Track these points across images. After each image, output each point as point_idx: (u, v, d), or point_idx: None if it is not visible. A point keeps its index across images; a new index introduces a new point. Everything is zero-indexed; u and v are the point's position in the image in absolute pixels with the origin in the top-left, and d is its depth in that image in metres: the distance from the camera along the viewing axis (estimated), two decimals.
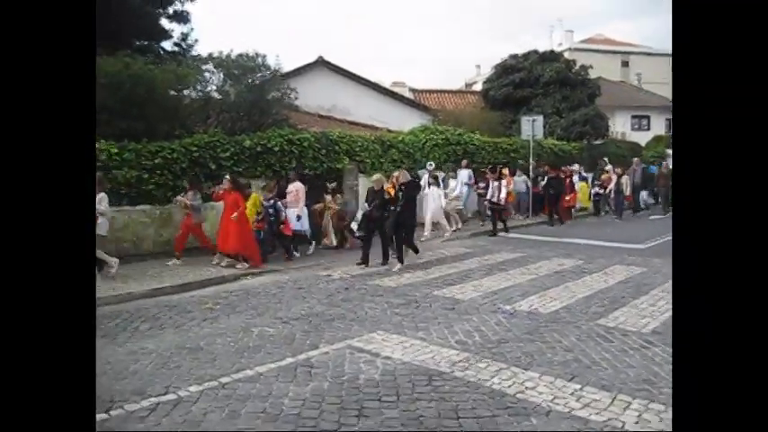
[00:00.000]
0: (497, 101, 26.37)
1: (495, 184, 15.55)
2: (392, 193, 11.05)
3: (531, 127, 19.38)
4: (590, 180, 20.63)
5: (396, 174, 11.54)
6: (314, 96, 20.30)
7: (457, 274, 10.04)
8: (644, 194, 21.94)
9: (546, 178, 18.22)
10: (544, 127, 20.83)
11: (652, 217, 19.79)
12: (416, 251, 11.26)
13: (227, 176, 11.15)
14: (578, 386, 4.95)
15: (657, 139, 35.72)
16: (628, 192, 19.90)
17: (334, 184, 13.54)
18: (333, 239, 13.18)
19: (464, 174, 17.26)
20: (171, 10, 18.06)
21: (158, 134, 12.35)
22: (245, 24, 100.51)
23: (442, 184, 14.85)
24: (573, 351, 5.90)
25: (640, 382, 5.05)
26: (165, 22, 18.14)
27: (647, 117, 40.27)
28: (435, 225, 14.54)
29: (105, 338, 6.57)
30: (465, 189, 16.99)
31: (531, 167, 19.02)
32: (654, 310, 7.52)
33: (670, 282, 9.07)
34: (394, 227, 10.74)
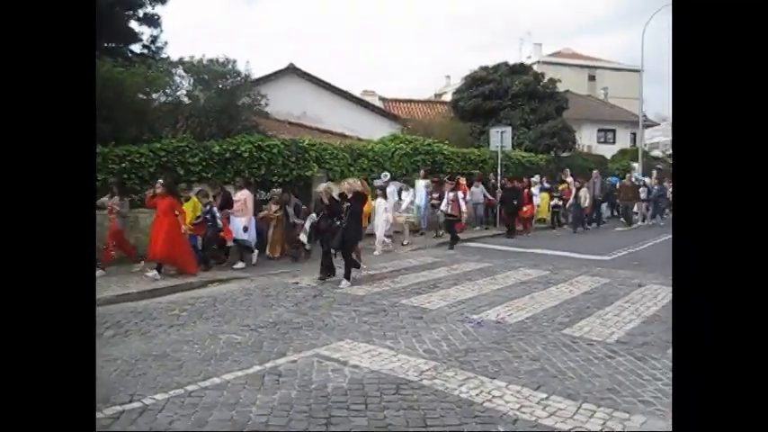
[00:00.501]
0: (467, 112, 26.61)
1: (451, 195, 14.95)
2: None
3: (500, 138, 19.62)
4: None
5: (346, 183, 10.77)
6: (284, 103, 20.29)
7: (425, 284, 10.08)
8: (603, 207, 22.06)
9: (501, 189, 18.10)
10: (512, 138, 21.08)
11: (618, 229, 20.00)
12: (357, 266, 10.46)
13: (161, 180, 10.66)
14: (544, 395, 5.01)
15: (623, 152, 36.44)
16: (587, 204, 19.66)
17: (278, 191, 12.94)
18: (276, 249, 12.66)
19: (421, 184, 16.90)
20: (141, 12, 17.87)
21: (126, 138, 12.20)
22: (215, 30, 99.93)
23: (391, 197, 14.41)
24: (539, 360, 5.97)
25: (605, 390, 5.13)
26: (134, 25, 17.96)
27: (613, 131, 41.11)
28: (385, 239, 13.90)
29: None
30: (423, 200, 16.68)
31: (498, 178, 19.13)
32: (618, 320, 7.65)
33: (634, 292, 9.29)
34: (340, 241, 10.06)
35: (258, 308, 8.28)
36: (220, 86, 14.61)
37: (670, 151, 70.34)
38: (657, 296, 9.10)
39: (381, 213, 13.49)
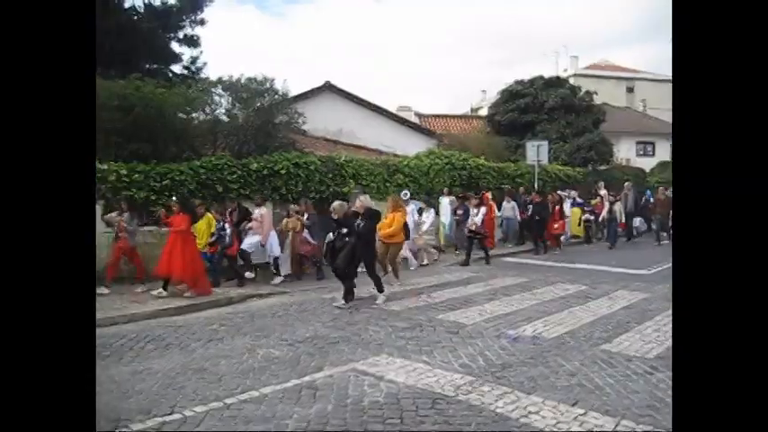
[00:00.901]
0: (503, 126, 26.57)
1: (474, 210, 14.58)
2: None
3: (537, 152, 19.55)
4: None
5: (359, 200, 10.28)
6: (320, 120, 20.52)
7: (461, 299, 10.06)
8: (637, 221, 21.07)
9: (531, 204, 17.41)
10: (549, 152, 20.95)
11: (664, 243, 18.71)
12: (380, 289, 9.97)
13: (174, 198, 10.69)
14: (581, 411, 4.97)
15: (663, 164, 35.76)
16: (621, 219, 18.90)
17: (295, 206, 12.52)
18: (288, 267, 12.23)
19: (446, 202, 16.55)
20: (181, 34, 18.35)
21: (167, 156, 12.51)
22: (253, 50, 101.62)
23: (411, 216, 13.47)
24: (576, 376, 5.91)
25: (644, 407, 5.06)
26: (175, 46, 18.46)
27: (652, 143, 40.40)
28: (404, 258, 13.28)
29: (111, 358, 6.64)
30: (448, 218, 16.32)
31: (534, 192, 18.93)
32: (658, 335, 7.53)
33: None
34: (348, 260, 9.72)
35: (295, 323, 8.37)
36: (258, 105, 14.89)
37: None
38: None
39: None
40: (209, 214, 11.28)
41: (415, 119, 29.98)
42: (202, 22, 18.22)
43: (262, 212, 11.97)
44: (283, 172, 13.58)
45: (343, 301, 9.50)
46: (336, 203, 10.54)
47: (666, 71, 46.12)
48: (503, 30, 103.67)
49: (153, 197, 11.45)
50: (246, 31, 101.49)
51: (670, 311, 8.77)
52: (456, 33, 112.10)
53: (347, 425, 4.70)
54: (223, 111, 14.93)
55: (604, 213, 18.76)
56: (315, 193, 14.03)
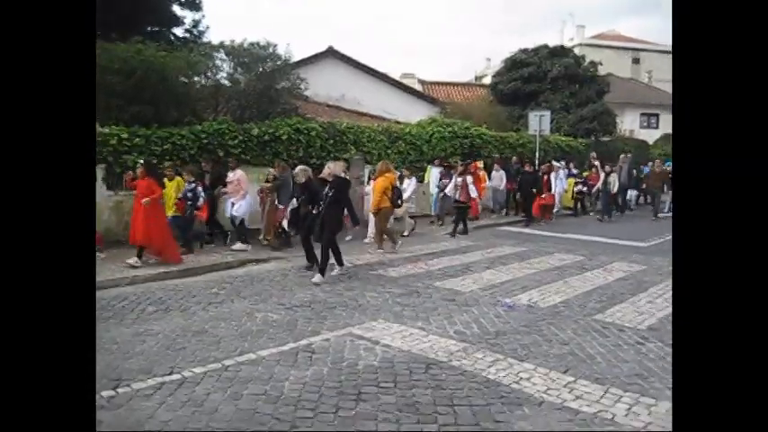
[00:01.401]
0: (506, 95, 26.41)
1: (459, 179, 13.98)
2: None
3: (539, 122, 19.49)
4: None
5: (327, 166, 9.73)
6: (323, 86, 20.43)
7: (459, 267, 10.15)
8: (633, 194, 21.16)
9: (520, 174, 17.08)
10: (551, 122, 20.89)
11: (661, 216, 18.67)
12: (340, 263, 9.45)
13: (141, 161, 10.32)
14: (572, 378, 5.07)
15: (666, 137, 35.69)
16: (615, 190, 18.58)
17: (274, 171, 12.00)
18: (269, 232, 11.79)
19: (435, 171, 16.28)
20: None
21: (168, 120, 12.51)
22: (255, 13, 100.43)
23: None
24: (569, 345, 6.02)
25: (633, 376, 5.17)
26: (177, 9, 18.26)
27: (657, 115, 40.23)
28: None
29: (113, 319, 6.75)
30: (435, 189, 15.97)
31: (536, 162, 18.89)
32: (651, 307, 7.63)
33: (670, 279, 9.19)
34: (319, 229, 9.26)
35: (294, 287, 8.47)
36: (260, 70, 14.82)
37: None
38: None
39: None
40: (178, 177, 11.00)
41: (418, 86, 29.83)
42: None
43: (237, 175, 11.68)
44: (284, 138, 13.60)
45: (320, 276, 8.88)
46: (299, 168, 10.15)
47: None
48: None
49: (154, 161, 11.47)
50: None
51: (664, 284, 8.90)
52: (463, 0, 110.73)
53: (342, 387, 4.81)
54: (225, 75, 14.87)
55: (599, 185, 18.43)
56: (316, 159, 14.05)
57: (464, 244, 12.73)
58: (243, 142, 13.01)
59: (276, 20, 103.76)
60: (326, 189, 9.27)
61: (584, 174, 19.38)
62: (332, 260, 9.25)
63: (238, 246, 11.33)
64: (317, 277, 8.84)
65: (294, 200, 10.67)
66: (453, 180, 14.18)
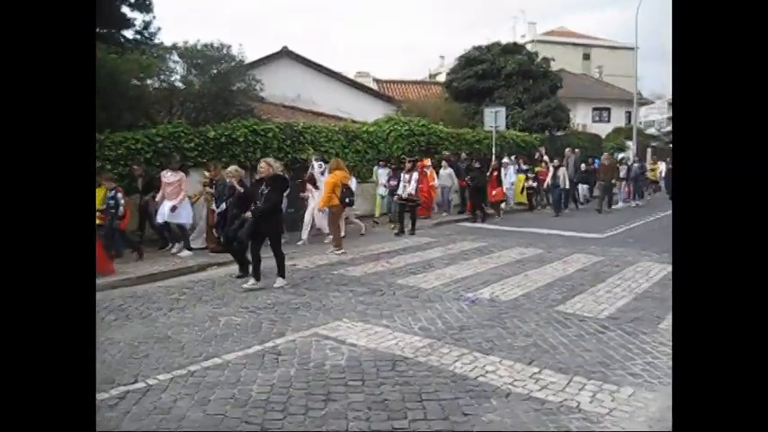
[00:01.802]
0: (461, 92, 26.61)
1: (406, 176, 13.69)
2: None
3: (494, 118, 19.69)
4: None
5: (263, 163, 8.88)
6: (278, 86, 20.29)
7: (420, 264, 10.22)
8: (584, 188, 21.12)
9: (468, 170, 16.83)
10: (507, 118, 21.14)
11: (607, 211, 18.97)
12: (281, 272, 8.72)
13: None
14: (537, 369, 5.17)
15: (618, 130, 36.62)
16: (565, 185, 18.17)
17: (209, 173, 11.58)
18: (203, 241, 11.56)
19: (381, 173, 15.72)
20: None
21: (121, 124, 12.25)
22: (207, 12, 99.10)
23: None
24: (532, 336, 6.12)
25: (595, 364, 5.29)
26: (126, 10, 17.87)
27: (608, 109, 41.16)
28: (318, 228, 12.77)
29: None
30: (382, 190, 15.57)
31: (493, 158, 19.08)
32: (610, 296, 7.81)
33: (628, 269, 9.44)
34: (250, 232, 8.55)
35: (256, 290, 8.40)
36: (215, 71, 14.64)
37: (666, 129, 70.50)
38: (650, 273, 9.26)
39: (315, 198, 12.28)
40: (105, 184, 10.33)
41: (373, 85, 29.87)
42: None
43: (178, 177, 11.09)
44: (241, 140, 13.47)
45: (253, 280, 8.47)
46: (231, 168, 9.69)
47: (622, 38, 46.77)
48: None
49: (108, 167, 11.23)
50: None
51: (621, 274, 9.12)
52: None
53: (310, 387, 4.80)
54: (179, 78, 14.64)
55: (548, 180, 18.25)
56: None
57: (425, 241, 12.81)
58: (199, 145, 12.84)
59: (227, 20, 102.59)
60: (262, 188, 8.52)
61: (536, 169, 19.39)
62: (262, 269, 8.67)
63: (185, 253, 10.95)
64: (279, 281, 8.58)
65: (223, 203, 10.24)
66: (401, 178, 13.90)
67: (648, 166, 25.43)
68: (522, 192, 19.47)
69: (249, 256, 8.76)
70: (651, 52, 73.85)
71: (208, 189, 11.41)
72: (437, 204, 17.63)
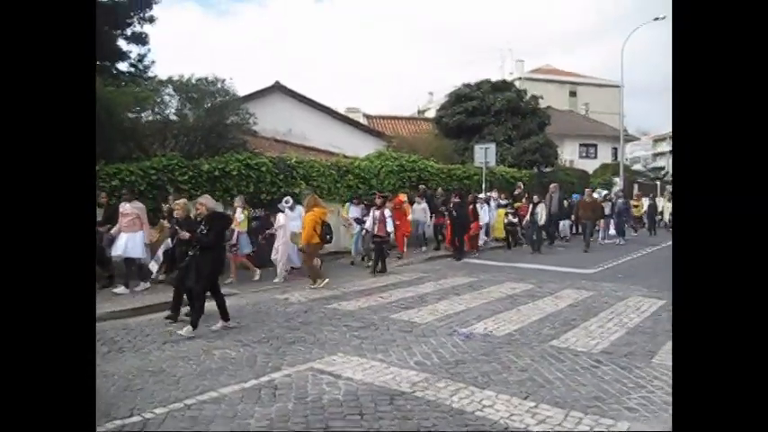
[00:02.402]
0: (451, 128, 26.91)
1: (377, 213, 13.19)
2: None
3: (484, 154, 19.92)
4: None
5: (200, 202, 8.34)
6: (270, 120, 20.44)
7: (413, 298, 10.25)
8: (565, 224, 20.63)
9: (444, 204, 16.51)
10: (496, 154, 21.37)
11: (604, 242, 19.66)
12: (195, 320, 7.83)
13: None
14: (533, 404, 5.20)
15: (605, 166, 37.03)
16: (542, 221, 17.50)
17: (169, 205, 11.04)
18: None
19: (353, 210, 14.81)
20: (129, 31, 18.00)
21: (115, 156, 12.30)
22: (198, 48, 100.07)
23: (293, 222, 12.14)
24: (527, 371, 6.15)
25: (591, 399, 5.33)
26: (122, 44, 18.09)
27: (595, 146, 41.71)
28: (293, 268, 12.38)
29: None
30: (355, 227, 14.64)
31: (486, 195, 19.22)
32: (603, 331, 7.87)
33: (618, 304, 9.51)
34: (194, 274, 7.93)
35: (250, 323, 8.40)
36: (209, 105, 14.77)
37: (651, 165, 71.40)
38: (640, 308, 9.34)
39: (280, 238, 11.97)
40: None
41: (363, 120, 30.16)
42: (151, 20, 17.93)
43: (136, 209, 10.63)
44: (234, 173, 13.53)
45: (190, 327, 7.76)
46: (179, 201, 9.08)
47: (607, 76, 47.60)
48: (450, 30, 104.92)
49: (102, 198, 11.24)
50: (191, 29, 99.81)
51: (612, 309, 9.19)
52: (403, 35, 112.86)
53: (308, 422, 4.80)
54: (173, 111, 14.76)
55: (527, 216, 17.77)
56: (266, 194, 14.02)
57: (417, 275, 12.85)
58: (193, 178, 12.89)
59: (219, 54, 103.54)
60: (202, 226, 8.03)
61: (515, 204, 18.95)
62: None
63: (120, 289, 10.41)
64: (186, 329, 7.76)
65: (169, 240, 9.73)
66: (372, 214, 13.40)
67: (633, 202, 25.45)
68: (503, 227, 18.94)
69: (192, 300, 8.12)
70: (635, 90, 75.15)
71: (165, 222, 11.04)
72: (415, 240, 16.97)
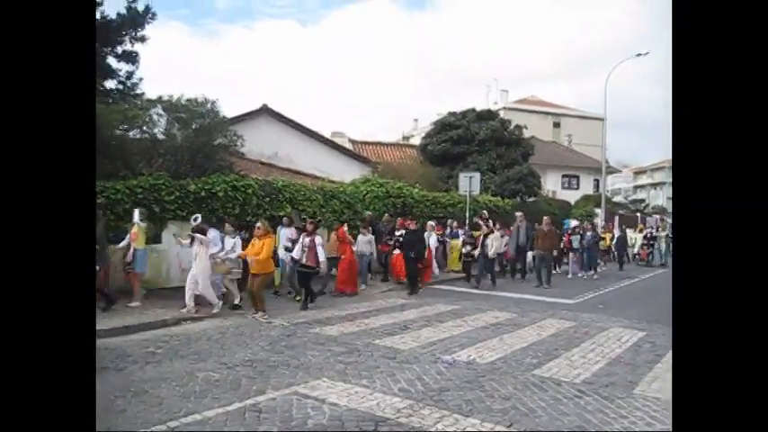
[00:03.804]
0: (435, 156, 27.18)
1: (307, 240, 11.86)
2: None
3: (469, 183, 20.13)
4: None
5: None
6: (256, 143, 20.49)
7: (396, 325, 10.26)
8: (532, 255, 18.16)
9: (402, 233, 15.14)
10: (480, 183, 21.57)
11: (570, 276, 19.16)
12: None
13: None
14: None
15: (586, 197, 37.45)
16: (493, 254, 16.13)
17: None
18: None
19: (285, 233, 13.10)
20: (120, 49, 18.03)
21: (102, 174, 12.25)
22: (189, 68, 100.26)
23: (206, 246, 10.92)
24: (510, 399, 6.20)
25: (574, 428, 5.38)
26: (112, 61, 18.10)
27: (577, 177, 42.20)
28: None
29: None
30: (282, 253, 12.81)
31: (467, 222, 19.40)
32: (585, 361, 7.94)
33: (599, 335, 9.60)
34: None
35: (233, 346, 8.37)
36: (197, 126, 14.79)
37: (632, 197, 72.19)
38: (621, 338, 9.44)
39: (202, 260, 10.84)
40: None
41: (348, 145, 30.32)
42: (143, 39, 17.99)
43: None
44: (221, 194, 13.53)
45: None
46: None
47: (590, 108, 48.32)
48: (433, 61, 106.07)
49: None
50: (179, 49, 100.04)
51: (593, 339, 9.27)
52: (388, 60, 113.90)
53: None
54: (161, 130, 14.76)
55: (479, 248, 16.23)
56: (252, 216, 14.01)
57: (400, 302, 12.89)
58: (179, 198, 12.87)
59: (207, 75, 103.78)
60: None
61: (474, 234, 17.26)
62: None
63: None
64: None
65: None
66: (301, 240, 12.02)
67: (601, 233, 23.48)
68: (459, 259, 17.84)
69: None
70: (618, 123, 76.35)
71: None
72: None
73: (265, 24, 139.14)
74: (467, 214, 19.92)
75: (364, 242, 14.94)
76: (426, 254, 15.40)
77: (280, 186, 15.08)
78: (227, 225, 11.89)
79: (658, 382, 7.02)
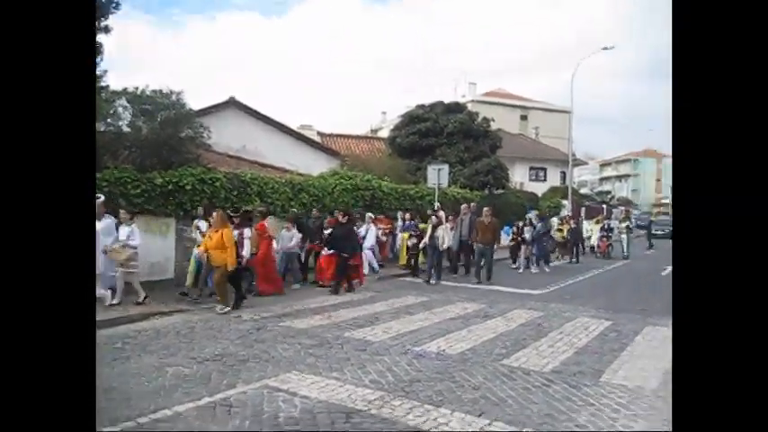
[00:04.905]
0: (404, 148, 27.21)
1: (235, 233, 11.10)
2: None
3: (437, 175, 20.19)
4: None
5: None
6: (224, 135, 20.28)
7: (365, 317, 10.29)
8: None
9: (320, 229, 14.35)
10: (449, 176, 21.67)
11: (521, 270, 18.45)
12: None
13: None
14: (487, 421, 5.30)
15: (554, 189, 37.92)
16: (444, 246, 15.29)
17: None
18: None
19: (203, 226, 12.05)
20: None
21: None
22: (154, 60, 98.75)
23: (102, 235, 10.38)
24: (480, 389, 6.27)
25: (543, 416, 5.47)
26: None
27: (544, 169, 42.66)
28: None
29: None
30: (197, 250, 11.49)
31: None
32: (553, 351, 8.07)
33: (567, 325, 9.74)
34: None
35: (203, 341, 8.31)
36: (162, 118, 14.55)
37: (597, 189, 73.25)
38: (588, 328, 9.60)
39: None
40: None
41: (317, 137, 30.21)
42: (107, 30, 17.58)
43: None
44: (188, 188, 13.36)
45: None
46: None
47: (557, 101, 48.82)
48: (400, 53, 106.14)
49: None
50: (144, 40, 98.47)
51: (561, 329, 9.42)
52: (354, 54, 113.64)
53: None
54: (126, 122, 14.47)
55: (425, 239, 15.43)
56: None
57: (369, 295, 12.91)
58: (146, 191, 12.66)
59: (173, 66, 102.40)
60: None
61: (421, 226, 16.55)
62: None
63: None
64: None
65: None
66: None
67: (556, 225, 22.84)
68: (406, 254, 17.00)
69: None
70: (584, 116, 77.40)
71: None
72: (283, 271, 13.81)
73: (232, 16, 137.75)
74: (435, 206, 19.99)
75: (287, 238, 13.66)
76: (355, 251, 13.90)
77: (248, 179, 14.96)
78: (122, 212, 11.13)
79: (624, 370, 7.16)
